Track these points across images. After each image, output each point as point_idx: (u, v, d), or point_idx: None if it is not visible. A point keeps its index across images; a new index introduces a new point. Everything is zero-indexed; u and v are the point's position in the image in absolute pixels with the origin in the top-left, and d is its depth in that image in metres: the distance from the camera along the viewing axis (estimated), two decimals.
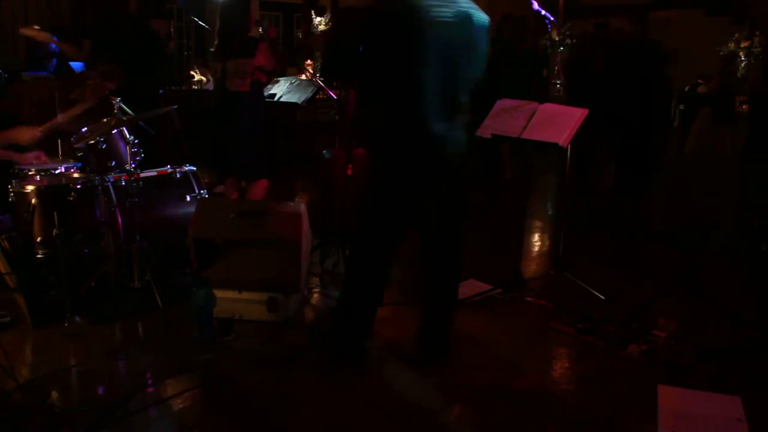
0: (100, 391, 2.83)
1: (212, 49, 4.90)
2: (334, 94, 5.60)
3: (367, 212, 3.06)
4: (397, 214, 2.98)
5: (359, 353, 3.14)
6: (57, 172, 3.90)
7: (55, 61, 6.99)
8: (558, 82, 7.42)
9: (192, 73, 9.46)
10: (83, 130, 3.88)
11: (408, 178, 2.92)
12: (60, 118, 3.89)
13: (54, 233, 3.33)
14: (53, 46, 6.93)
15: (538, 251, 4.92)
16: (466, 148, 2.98)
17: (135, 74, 4.61)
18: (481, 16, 2.87)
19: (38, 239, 3.47)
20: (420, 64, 2.77)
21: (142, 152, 3.76)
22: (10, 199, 3.57)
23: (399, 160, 2.92)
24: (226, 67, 4.54)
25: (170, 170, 4.07)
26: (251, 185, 4.77)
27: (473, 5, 2.87)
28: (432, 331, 3.16)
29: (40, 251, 3.48)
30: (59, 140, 4.14)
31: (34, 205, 3.45)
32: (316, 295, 3.92)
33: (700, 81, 10.47)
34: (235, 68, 4.49)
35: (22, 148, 3.81)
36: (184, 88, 8.49)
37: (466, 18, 2.81)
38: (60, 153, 4.11)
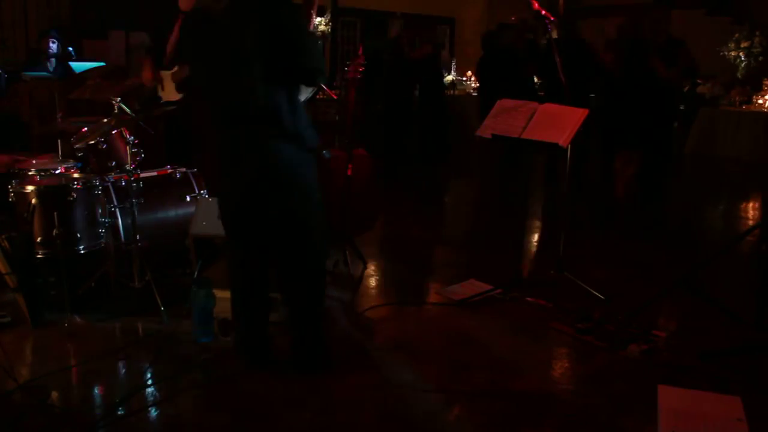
0: (100, 391, 2.83)
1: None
2: (334, 94, 5.60)
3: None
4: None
5: (264, 362, 3.00)
6: (57, 172, 3.90)
7: (54, 61, 7.00)
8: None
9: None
10: (83, 130, 3.88)
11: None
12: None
13: (54, 233, 3.33)
14: (52, 46, 6.95)
15: (538, 251, 4.92)
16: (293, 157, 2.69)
17: None
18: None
19: (38, 239, 3.47)
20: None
21: (143, 152, 3.76)
22: (10, 199, 3.57)
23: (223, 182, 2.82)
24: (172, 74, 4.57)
25: (170, 170, 4.07)
26: None
27: None
28: (299, 348, 2.98)
29: (40, 251, 3.48)
30: (59, 140, 4.13)
31: (34, 205, 3.45)
32: None
33: (699, 81, 10.48)
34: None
35: None
36: None
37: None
38: (60, 153, 4.10)
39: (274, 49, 2.51)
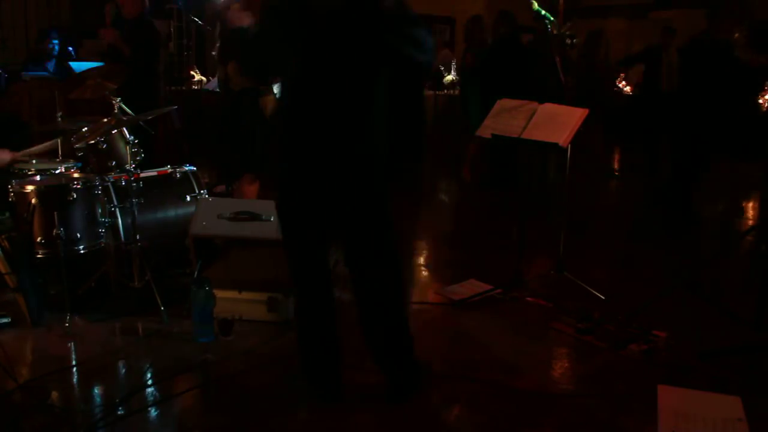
0: (100, 391, 2.83)
1: (214, 53, 4.91)
2: None
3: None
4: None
5: (334, 391, 2.76)
6: (57, 172, 3.90)
7: (54, 61, 7.01)
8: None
9: (192, 73, 9.46)
10: (83, 129, 3.88)
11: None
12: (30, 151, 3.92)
13: (54, 233, 3.33)
14: (52, 46, 6.96)
15: (538, 251, 4.92)
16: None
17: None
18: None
19: (38, 239, 3.47)
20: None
21: (143, 152, 3.76)
22: (10, 199, 3.57)
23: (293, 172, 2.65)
24: (227, 68, 4.57)
25: (170, 170, 4.07)
26: (242, 185, 4.78)
27: None
28: (384, 366, 2.78)
29: (40, 251, 3.48)
30: (59, 140, 4.13)
31: (34, 205, 3.45)
32: None
33: None
34: (236, 69, 4.51)
35: None
36: (184, 88, 8.48)
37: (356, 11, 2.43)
38: (60, 153, 4.10)
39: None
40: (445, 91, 10.39)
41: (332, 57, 2.47)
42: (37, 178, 3.75)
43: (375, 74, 2.52)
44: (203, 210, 3.58)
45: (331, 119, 2.51)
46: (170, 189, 4.02)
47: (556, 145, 3.64)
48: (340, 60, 2.47)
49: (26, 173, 3.88)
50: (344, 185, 2.56)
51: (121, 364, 3.08)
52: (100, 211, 3.65)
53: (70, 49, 7.41)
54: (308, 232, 2.66)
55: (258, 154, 4.64)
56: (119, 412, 2.62)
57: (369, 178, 2.58)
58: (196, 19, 5.74)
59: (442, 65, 11.84)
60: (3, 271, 3.48)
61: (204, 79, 8.79)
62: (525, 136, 3.75)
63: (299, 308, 2.78)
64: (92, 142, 3.65)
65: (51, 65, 7.00)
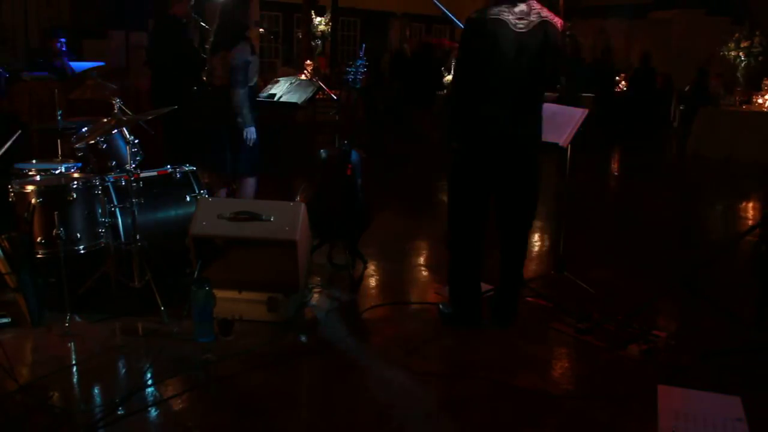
0: (100, 391, 2.83)
1: (207, 46, 4.91)
2: (334, 94, 5.60)
3: (455, 200, 3.47)
4: (478, 198, 3.40)
5: (477, 317, 3.49)
6: (57, 172, 3.90)
7: (65, 60, 7.02)
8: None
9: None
10: (83, 129, 3.88)
11: (485, 165, 3.33)
12: None
13: (54, 233, 3.33)
14: (60, 45, 6.97)
15: (538, 251, 4.93)
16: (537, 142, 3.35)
17: None
18: (554, 21, 3.24)
19: (38, 239, 3.47)
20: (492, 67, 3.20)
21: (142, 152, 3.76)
22: (10, 199, 3.57)
23: (479, 151, 3.32)
24: (213, 61, 4.56)
25: (170, 170, 4.07)
26: (240, 183, 4.78)
27: (545, 12, 3.23)
28: (501, 302, 3.52)
29: (40, 251, 3.48)
30: (59, 140, 4.13)
31: (34, 205, 3.45)
32: (316, 295, 3.92)
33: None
34: (221, 61, 4.49)
35: None
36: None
37: (538, 26, 3.18)
38: (60, 153, 4.10)
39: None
40: (445, 92, 10.40)
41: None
42: (37, 178, 3.75)
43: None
44: (203, 210, 3.58)
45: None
46: (170, 189, 4.02)
47: (556, 145, 3.64)
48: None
49: (26, 173, 3.88)
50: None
51: (121, 364, 3.08)
52: (100, 211, 3.64)
53: (65, 49, 7.42)
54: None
55: (255, 154, 4.64)
56: (119, 412, 2.62)
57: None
58: (197, 17, 5.77)
59: (443, 66, 11.86)
60: (3, 271, 3.48)
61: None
62: None
63: (460, 251, 3.52)
64: (92, 142, 3.65)
65: (58, 64, 7.00)
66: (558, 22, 3.26)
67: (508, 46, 3.15)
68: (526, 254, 3.58)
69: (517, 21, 3.16)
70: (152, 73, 5.92)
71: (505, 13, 3.16)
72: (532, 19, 3.17)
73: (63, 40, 7.13)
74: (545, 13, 3.21)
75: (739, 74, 11.11)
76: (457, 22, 4.04)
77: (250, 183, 4.76)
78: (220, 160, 4.62)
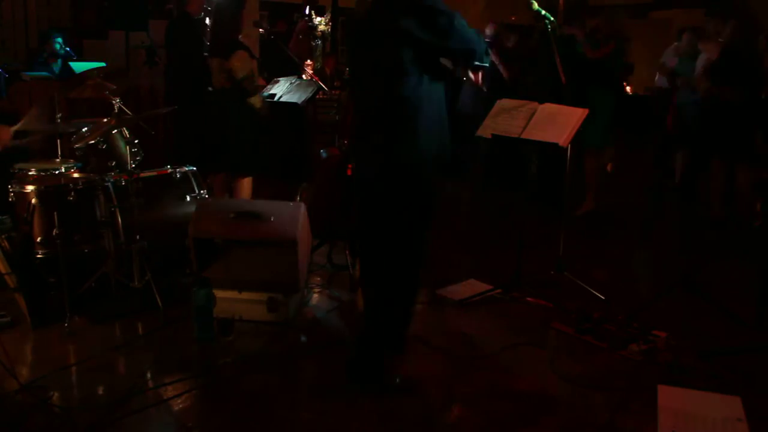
0: (100, 391, 2.83)
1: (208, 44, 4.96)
2: (334, 93, 5.61)
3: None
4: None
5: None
6: (57, 172, 3.90)
7: (60, 62, 7.01)
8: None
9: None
10: (83, 130, 3.88)
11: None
12: (25, 119, 3.89)
13: (54, 233, 3.33)
14: (58, 47, 6.96)
15: (538, 251, 4.92)
16: (390, 165, 2.67)
17: None
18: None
19: (38, 239, 3.47)
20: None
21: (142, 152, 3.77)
22: (10, 199, 3.57)
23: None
24: (212, 63, 4.62)
25: (170, 170, 4.07)
26: (235, 183, 4.82)
27: None
28: (359, 358, 2.88)
29: (40, 251, 3.48)
30: (59, 140, 4.13)
31: (34, 205, 3.45)
32: (316, 295, 3.92)
33: None
34: (218, 66, 4.57)
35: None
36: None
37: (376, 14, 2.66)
38: (60, 153, 4.10)
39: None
40: None
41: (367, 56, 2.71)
42: (37, 178, 3.75)
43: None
44: (203, 210, 3.58)
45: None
46: (170, 189, 4.02)
47: (556, 145, 3.64)
48: (373, 58, 2.67)
49: (26, 173, 3.87)
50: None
51: (121, 364, 3.08)
52: (100, 211, 3.64)
53: (68, 49, 7.42)
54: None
55: (250, 153, 4.69)
56: (119, 412, 2.62)
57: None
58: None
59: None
60: (3, 271, 3.48)
61: None
62: (525, 136, 3.75)
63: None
64: (92, 142, 3.65)
65: (57, 66, 7.00)
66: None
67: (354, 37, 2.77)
68: (395, 307, 2.85)
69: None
70: (166, 72, 5.98)
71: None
72: None
73: (59, 40, 7.11)
74: None
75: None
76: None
77: (245, 183, 4.81)
78: (225, 161, 4.68)
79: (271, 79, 5.51)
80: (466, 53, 2.70)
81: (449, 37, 2.59)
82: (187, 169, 4.15)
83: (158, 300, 3.44)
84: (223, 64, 4.56)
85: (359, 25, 2.76)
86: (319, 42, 14.14)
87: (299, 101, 5.56)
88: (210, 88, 4.73)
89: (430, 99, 2.66)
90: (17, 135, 3.68)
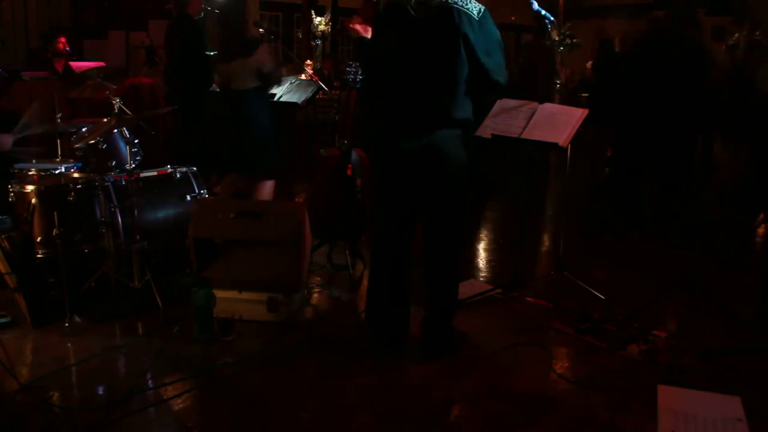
0: (100, 391, 2.83)
1: (214, 52, 4.98)
2: (334, 93, 5.61)
3: (375, 211, 3.18)
4: (395, 211, 3.07)
5: (397, 343, 3.17)
6: (57, 172, 3.90)
7: (63, 62, 7.01)
8: (558, 81, 7.46)
9: None
10: (83, 129, 3.88)
11: (393, 182, 3.03)
12: (25, 117, 3.91)
13: (54, 233, 3.33)
14: (64, 47, 6.97)
15: (538, 251, 4.92)
16: (461, 155, 2.97)
17: None
18: (468, 7, 2.82)
19: (38, 239, 3.47)
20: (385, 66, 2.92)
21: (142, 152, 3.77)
22: (10, 199, 3.57)
23: (381, 167, 3.08)
24: (232, 67, 4.64)
25: (170, 170, 4.07)
26: (258, 185, 4.84)
27: None
28: (431, 329, 3.15)
29: (40, 251, 3.48)
30: (59, 140, 4.13)
31: (34, 205, 3.45)
32: (316, 295, 3.92)
33: None
34: (241, 67, 4.60)
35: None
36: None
37: (441, 12, 2.79)
38: (59, 153, 4.10)
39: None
40: None
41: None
42: (37, 178, 3.75)
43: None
44: (203, 210, 3.58)
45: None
46: (170, 189, 4.02)
47: (555, 145, 3.64)
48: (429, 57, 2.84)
49: (26, 173, 3.88)
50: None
51: (121, 364, 3.08)
52: (100, 211, 3.64)
53: (68, 49, 7.42)
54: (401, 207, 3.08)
55: (273, 155, 4.73)
56: (119, 412, 2.62)
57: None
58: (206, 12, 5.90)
59: None
60: (3, 271, 3.48)
61: None
62: (525, 136, 3.75)
63: (377, 267, 3.17)
64: (92, 142, 3.65)
65: (60, 66, 7.00)
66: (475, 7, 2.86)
67: (402, 37, 2.84)
68: (454, 281, 3.18)
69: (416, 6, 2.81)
70: (166, 73, 6.00)
71: None
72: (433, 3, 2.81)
73: (64, 41, 7.13)
74: None
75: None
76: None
77: (269, 184, 4.85)
78: (239, 162, 4.72)
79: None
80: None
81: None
82: (186, 169, 4.15)
83: (158, 300, 3.44)
84: (249, 63, 4.58)
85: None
86: (319, 42, 14.14)
87: (299, 101, 5.57)
88: (217, 89, 4.76)
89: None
90: (18, 142, 3.70)
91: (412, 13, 2.83)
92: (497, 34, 2.93)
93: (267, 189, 4.86)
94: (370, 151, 3.08)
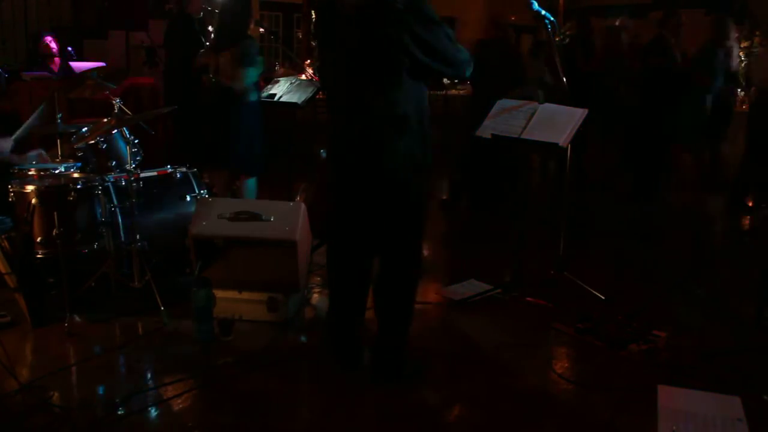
0: (100, 391, 2.83)
1: (207, 43, 4.93)
2: None
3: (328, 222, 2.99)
4: (345, 225, 2.88)
5: (353, 360, 3.00)
6: (57, 172, 3.90)
7: (59, 61, 6.99)
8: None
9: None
10: (83, 130, 3.88)
11: (340, 195, 2.85)
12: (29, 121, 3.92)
13: (54, 233, 3.33)
14: (52, 47, 6.93)
15: (538, 251, 4.92)
16: (415, 161, 2.69)
17: None
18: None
19: (38, 239, 3.47)
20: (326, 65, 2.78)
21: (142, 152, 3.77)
22: (10, 199, 3.57)
23: (332, 176, 2.86)
24: (219, 60, 4.58)
25: (170, 170, 4.07)
26: (240, 182, 4.81)
27: None
28: (380, 352, 2.94)
29: (40, 251, 3.48)
30: (59, 140, 4.13)
31: (34, 205, 3.45)
32: (316, 295, 3.92)
33: None
34: (228, 60, 4.51)
35: (22, 148, 3.83)
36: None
37: (373, 6, 2.54)
38: (60, 153, 4.10)
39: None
40: (444, 92, 10.34)
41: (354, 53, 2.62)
42: (37, 178, 3.75)
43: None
44: (203, 210, 3.58)
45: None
46: (170, 189, 4.02)
47: (555, 145, 3.64)
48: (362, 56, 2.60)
49: (26, 173, 3.88)
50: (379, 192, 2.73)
51: (121, 364, 3.08)
52: (100, 211, 3.64)
53: (70, 49, 7.40)
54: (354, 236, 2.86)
55: (257, 153, 4.67)
56: (119, 412, 2.62)
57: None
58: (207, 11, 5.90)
59: None
60: (3, 271, 3.48)
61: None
62: (525, 136, 3.75)
63: (336, 293, 2.99)
64: (92, 142, 3.65)
65: (56, 66, 6.96)
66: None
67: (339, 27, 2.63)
68: (409, 303, 2.90)
69: None
70: (165, 72, 5.99)
71: None
72: None
73: (52, 40, 7.02)
74: None
75: (739, 74, 11.09)
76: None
77: (250, 183, 4.78)
78: (226, 158, 4.67)
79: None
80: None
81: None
82: (186, 169, 4.15)
83: (158, 300, 3.44)
84: (233, 53, 4.47)
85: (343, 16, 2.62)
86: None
87: (299, 101, 5.56)
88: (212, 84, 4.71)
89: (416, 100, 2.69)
90: (18, 144, 3.71)
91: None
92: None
93: (248, 187, 4.80)
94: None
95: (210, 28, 5.90)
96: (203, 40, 5.68)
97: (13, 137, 3.78)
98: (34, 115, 3.93)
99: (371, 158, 2.66)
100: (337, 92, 2.79)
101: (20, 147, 3.86)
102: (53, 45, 6.89)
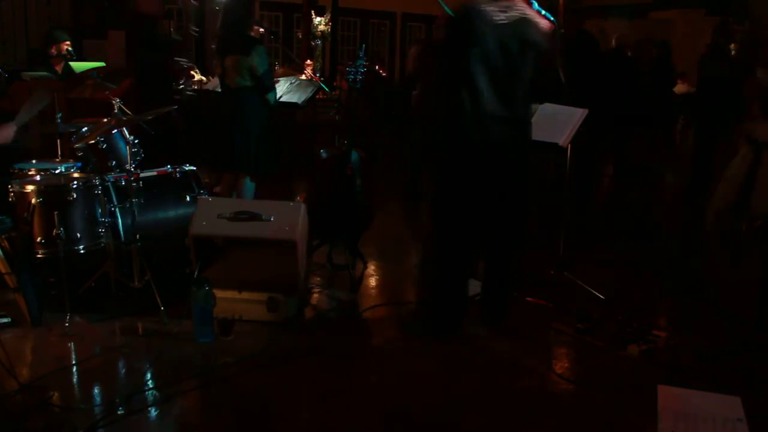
0: (100, 391, 2.83)
1: (213, 46, 4.94)
2: (334, 94, 5.61)
3: (441, 206, 3.36)
4: (467, 205, 3.26)
5: (458, 322, 3.41)
6: (57, 172, 3.90)
7: (64, 63, 6.98)
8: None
9: (192, 73, 9.48)
10: (83, 130, 3.88)
11: (470, 171, 3.22)
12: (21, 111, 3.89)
13: (54, 233, 3.33)
14: (68, 49, 6.93)
15: (538, 251, 4.92)
16: (528, 143, 3.31)
17: None
18: (538, 20, 3.16)
19: (38, 239, 3.47)
20: (477, 64, 3.10)
21: (142, 152, 3.77)
22: (10, 199, 3.57)
23: (462, 156, 3.22)
24: (225, 63, 4.58)
25: (170, 170, 4.07)
26: (239, 183, 4.80)
27: (530, 11, 3.15)
28: (490, 299, 3.49)
29: (40, 251, 3.48)
30: (59, 140, 4.13)
31: (34, 205, 3.45)
32: (316, 295, 3.92)
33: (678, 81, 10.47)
34: (234, 64, 4.53)
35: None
36: (182, 86, 8.49)
37: (519, 21, 3.10)
38: (60, 153, 4.10)
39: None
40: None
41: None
42: (37, 178, 3.75)
43: None
44: (203, 210, 3.58)
45: None
46: (170, 189, 4.02)
47: (556, 145, 3.64)
48: None
49: (26, 173, 3.88)
50: None
51: (121, 364, 3.08)
52: (100, 211, 3.64)
53: (70, 49, 7.39)
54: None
55: (260, 154, 4.67)
56: (119, 412, 2.62)
57: None
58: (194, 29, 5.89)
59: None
60: (3, 271, 3.47)
61: (204, 78, 8.80)
62: None
63: (445, 264, 3.36)
64: (92, 142, 3.65)
65: (60, 67, 6.96)
66: (544, 23, 3.17)
67: (489, 39, 3.07)
68: (518, 253, 3.55)
69: (498, 13, 3.07)
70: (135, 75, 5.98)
71: (485, 4, 3.08)
72: (512, 14, 3.10)
73: (68, 43, 7.04)
74: (529, 11, 3.15)
75: None
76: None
77: (249, 182, 4.79)
78: (231, 159, 4.68)
79: None
80: None
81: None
82: (186, 169, 4.15)
83: (158, 300, 3.44)
84: (242, 61, 4.52)
85: None
86: (319, 42, 14.16)
87: (299, 101, 5.56)
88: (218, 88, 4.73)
89: None
90: (19, 132, 3.68)
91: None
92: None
93: (247, 187, 4.80)
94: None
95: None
96: (165, 42, 5.61)
97: (15, 123, 3.76)
98: (32, 99, 3.89)
99: (515, 152, 3.23)
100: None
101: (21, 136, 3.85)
102: (69, 49, 6.93)
